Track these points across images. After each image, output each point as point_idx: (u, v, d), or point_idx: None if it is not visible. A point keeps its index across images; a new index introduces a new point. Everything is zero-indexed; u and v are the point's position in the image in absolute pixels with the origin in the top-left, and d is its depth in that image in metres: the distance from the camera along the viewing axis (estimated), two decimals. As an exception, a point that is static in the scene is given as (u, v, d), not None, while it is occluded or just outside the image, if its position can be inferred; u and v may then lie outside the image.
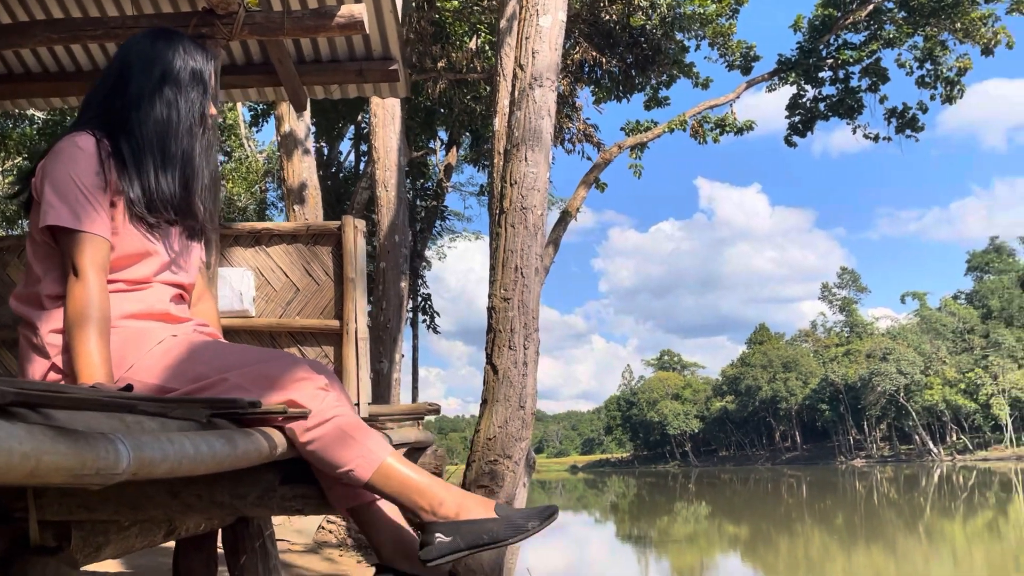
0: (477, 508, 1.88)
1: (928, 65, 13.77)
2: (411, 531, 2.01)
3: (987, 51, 13.55)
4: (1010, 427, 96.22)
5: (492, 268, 4.96)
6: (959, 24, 12.68)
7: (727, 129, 14.70)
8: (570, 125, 12.15)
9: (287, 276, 4.68)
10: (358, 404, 4.22)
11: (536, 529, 1.86)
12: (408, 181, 20.08)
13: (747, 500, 63.54)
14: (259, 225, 4.89)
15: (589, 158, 13.70)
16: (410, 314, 19.45)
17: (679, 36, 14.96)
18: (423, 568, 1.89)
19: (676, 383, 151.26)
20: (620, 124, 14.70)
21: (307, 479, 1.89)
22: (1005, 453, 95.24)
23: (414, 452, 3.65)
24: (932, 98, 14.05)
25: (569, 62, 11.60)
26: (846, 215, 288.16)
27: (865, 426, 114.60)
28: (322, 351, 4.60)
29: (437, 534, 1.85)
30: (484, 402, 5.00)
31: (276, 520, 3.51)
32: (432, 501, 1.85)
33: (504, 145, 5.40)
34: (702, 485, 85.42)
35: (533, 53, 5.43)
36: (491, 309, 4.84)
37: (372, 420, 3.99)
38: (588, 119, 13.03)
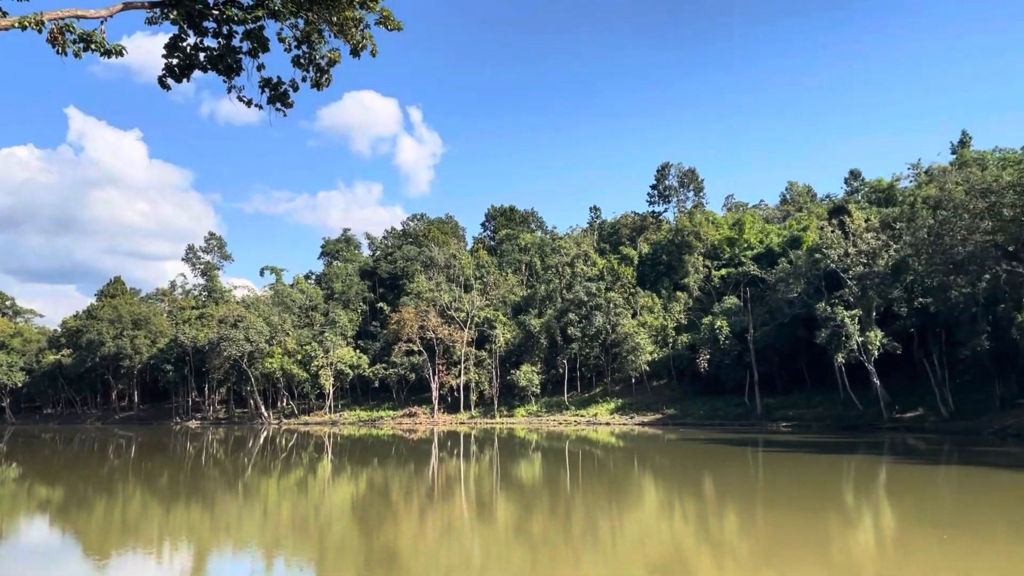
0: None
1: (305, 48, 14.71)
2: None
3: (355, 52, 15.06)
4: (331, 395, 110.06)
5: None
6: (335, 18, 13.84)
7: (93, 47, 13.18)
8: None
9: None
10: None
11: None
12: None
13: (68, 461, 58.68)
14: None
15: None
16: None
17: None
18: None
19: (5, 330, 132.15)
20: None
21: None
22: (324, 418, 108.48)
23: None
24: (304, 79, 15.06)
25: None
26: (224, 183, 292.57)
27: (206, 389, 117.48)
28: None
29: None
30: None
31: None
32: None
33: None
34: (16, 445, 75.90)
35: None
36: None
37: None
38: None
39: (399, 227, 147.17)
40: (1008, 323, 60.79)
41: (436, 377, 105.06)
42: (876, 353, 70.82)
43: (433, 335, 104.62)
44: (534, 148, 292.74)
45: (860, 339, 70.54)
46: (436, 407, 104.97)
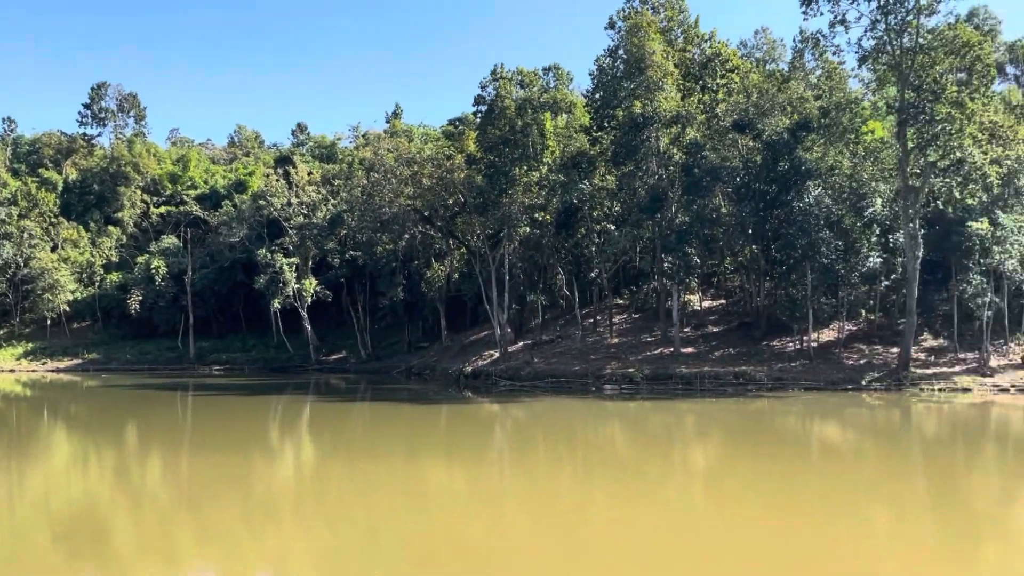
0: None
1: None
2: None
3: None
4: None
5: None
6: None
7: None
8: None
9: None
10: None
11: None
12: None
13: None
14: None
15: None
16: None
17: None
18: None
19: None
20: None
21: None
22: None
23: None
24: None
25: None
26: None
27: None
28: None
29: None
30: None
31: None
32: None
33: None
34: None
35: None
36: None
37: None
38: None
39: None
40: (419, 278, 70.66)
41: None
42: (310, 300, 75.35)
43: None
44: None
45: (296, 286, 74.13)
46: None
